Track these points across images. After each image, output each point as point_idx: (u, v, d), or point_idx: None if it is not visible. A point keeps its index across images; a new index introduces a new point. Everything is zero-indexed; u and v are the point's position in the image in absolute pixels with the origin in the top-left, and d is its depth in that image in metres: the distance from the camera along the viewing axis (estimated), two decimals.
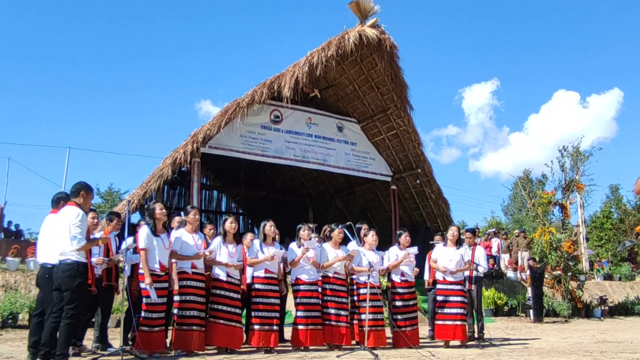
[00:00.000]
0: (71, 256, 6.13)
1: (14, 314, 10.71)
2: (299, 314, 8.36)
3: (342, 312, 8.61)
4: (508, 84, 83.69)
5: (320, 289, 8.68)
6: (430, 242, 11.00)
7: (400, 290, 9.18)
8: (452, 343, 9.11)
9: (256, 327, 8.04)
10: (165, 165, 13.71)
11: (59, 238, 6.22)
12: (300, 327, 8.30)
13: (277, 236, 9.20)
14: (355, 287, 8.90)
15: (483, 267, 9.95)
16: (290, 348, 8.33)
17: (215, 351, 7.89)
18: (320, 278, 8.77)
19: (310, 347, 8.34)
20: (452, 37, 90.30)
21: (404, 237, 9.39)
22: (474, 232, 10.88)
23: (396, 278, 9.22)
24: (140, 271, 7.33)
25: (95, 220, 8.20)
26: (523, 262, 18.92)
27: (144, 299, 7.24)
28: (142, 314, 7.19)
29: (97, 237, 6.83)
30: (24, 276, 12.30)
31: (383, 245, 9.51)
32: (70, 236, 6.12)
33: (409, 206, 19.27)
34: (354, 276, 8.96)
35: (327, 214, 21.37)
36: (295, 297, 8.50)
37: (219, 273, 8.04)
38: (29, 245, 14.43)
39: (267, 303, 8.18)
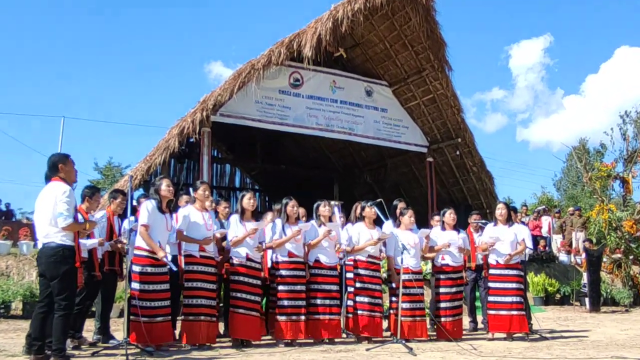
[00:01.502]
0: (55, 238, 6.14)
1: (6, 303, 10.86)
2: (318, 301, 8.40)
3: (376, 301, 8.63)
4: (563, 39, 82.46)
5: (351, 275, 8.75)
6: (472, 222, 10.92)
7: (442, 276, 9.19)
8: (497, 335, 9.10)
9: (282, 317, 8.10)
10: (172, 136, 13.77)
11: (43, 219, 6.22)
12: (320, 316, 8.36)
13: (304, 218, 9.21)
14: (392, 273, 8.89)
15: (529, 249, 9.88)
16: (312, 340, 8.38)
17: (230, 344, 7.97)
18: (349, 262, 8.82)
19: (336, 340, 8.40)
20: None
21: (449, 216, 9.34)
22: (515, 210, 10.82)
23: (437, 262, 9.25)
24: (137, 252, 7.29)
25: (97, 201, 8.23)
26: (578, 243, 18.80)
27: (133, 285, 7.19)
28: (137, 302, 7.12)
29: (90, 219, 6.81)
30: (17, 261, 12.46)
31: (417, 225, 9.47)
32: (57, 214, 6.11)
33: (447, 181, 19.20)
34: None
35: (355, 190, 21.36)
36: (313, 283, 8.53)
37: (237, 256, 8.06)
38: (21, 226, 14.60)
39: (294, 290, 8.23)
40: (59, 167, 6.37)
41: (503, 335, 9.03)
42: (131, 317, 7.12)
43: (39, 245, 6.39)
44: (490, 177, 18.60)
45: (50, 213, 6.15)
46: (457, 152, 18.11)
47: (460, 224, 9.87)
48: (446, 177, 19.14)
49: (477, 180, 18.56)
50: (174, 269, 7.27)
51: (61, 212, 6.10)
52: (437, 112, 17.63)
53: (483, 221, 10.41)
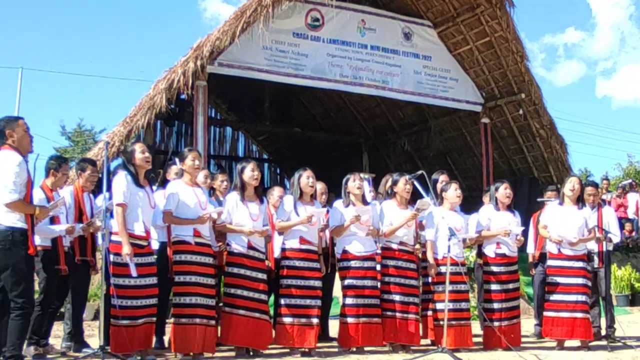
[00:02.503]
0: (3, 221, 6.15)
1: None
2: (348, 301, 8.37)
3: (411, 300, 8.63)
4: None
5: (378, 267, 8.71)
6: (539, 199, 10.90)
7: (495, 269, 9.12)
8: (568, 343, 9.10)
9: (287, 319, 8.10)
10: (158, 92, 13.79)
11: None
12: (349, 319, 8.33)
13: (325, 195, 9.22)
14: (429, 264, 8.91)
15: (615, 236, 9.83)
16: (337, 349, 8.43)
17: (233, 354, 8.03)
18: (378, 250, 8.76)
19: (366, 349, 8.42)
20: None
21: (503, 192, 9.24)
22: (597, 186, 10.70)
23: (489, 251, 9.17)
24: (113, 238, 7.26)
25: (65, 175, 8.24)
26: None
27: (113, 280, 7.18)
28: (117, 301, 7.12)
29: (54, 200, 6.79)
30: None
31: (469, 203, 9.45)
32: (0, 186, 6.11)
33: (507, 148, 19.14)
34: (424, 249, 8.94)
35: (389, 160, 21.35)
36: (342, 278, 8.52)
37: (236, 243, 8.05)
38: None
39: (304, 286, 8.21)
40: (6, 133, 6.35)
41: (577, 343, 9.03)
42: (111, 320, 7.15)
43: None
44: (562, 143, 18.48)
45: None
46: (520, 111, 17.97)
47: (524, 203, 9.81)
48: (506, 143, 19.07)
49: (546, 147, 18.45)
50: (134, 274, 7.17)
51: (6, 184, 6.09)
52: (495, 60, 17.50)
53: (549, 199, 10.35)
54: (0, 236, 6.12)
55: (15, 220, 6.18)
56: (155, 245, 8.04)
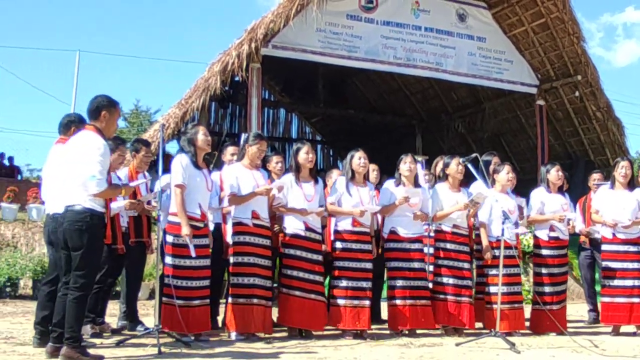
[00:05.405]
0: (83, 202, 6.05)
1: (13, 281, 11.08)
2: (398, 283, 8.40)
3: (464, 283, 8.60)
4: None
5: (431, 249, 8.69)
6: (594, 184, 10.74)
7: (546, 252, 9.06)
8: (624, 329, 8.97)
9: (342, 301, 8.10)
10: (212, 75, 13.85)
11: (67, 178, 6.17)
12: (397, 302, 8.35)
13: (376, 172, 9.15)
14: (482, 247, 8.82)
15: None
16: (388, 332, 8.44)
17: (286, 334, 8.06)
18: (425, 233, 8.75)
19: (418, 331, 8.40)
20: None
21: (555, 174, 9.13)
22: None
23: (542, 234, 9.08)
24: (171, 219, 7.28)
25: (122, 157, 8.27)
26: None
27: (167, 259, 7.25)
28: (172, 281, 7.17)
29: (122, 183, 6.76)
30: (25, 229, 12.68)
31: (524, 186, 9.35)
32: (88, 175, 6.01)
33: (562, 130, 18.89)
34: (478, 231, 8.87)
35: (443, 142, 21.21)
36: (389, 260, 8.54)
37: (293, 225, 8.08)
38: (30, 186, 14.77)
39: (357, 268, 8.21)
40: (101, 113, 6.26)
41: (632, 329, 8.89)
42: (164, 299, 7.17)
43: (51, 209, 6.46)
44: (619, 126, 18.19)
45: (80, 171, 6.06)
46: (577, 93, 17.71)
47: (577, 185, 9.67)
48: (561, 126, 18.82)
49: (602, 130, 18.17)
50: (193, 254, 7.17)
51: (94, 174, 6.01)
52: (551, 41, 17.26)
53: (602, 182, 10.19)
54: (78, 216, 6.03)
55: (94, 204, 6.11)
56: (210, 227, 8.05)
